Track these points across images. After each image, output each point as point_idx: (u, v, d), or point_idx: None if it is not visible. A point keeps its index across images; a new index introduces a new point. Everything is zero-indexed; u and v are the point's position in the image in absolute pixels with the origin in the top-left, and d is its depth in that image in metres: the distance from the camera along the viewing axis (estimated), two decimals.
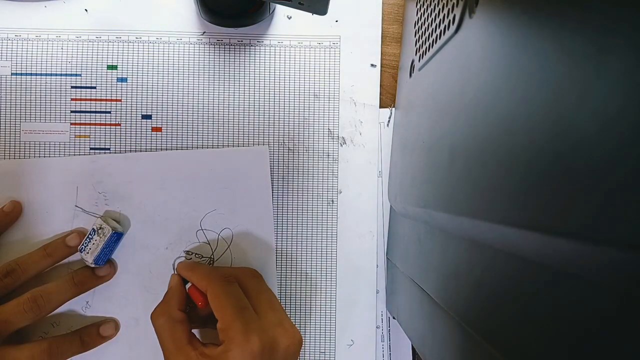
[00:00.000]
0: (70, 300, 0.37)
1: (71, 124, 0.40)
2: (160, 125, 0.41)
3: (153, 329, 0.34)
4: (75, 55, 0.41)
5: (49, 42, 0.40)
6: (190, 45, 0.41)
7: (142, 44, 0.41)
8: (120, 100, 0.41)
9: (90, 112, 0.41)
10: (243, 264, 0.40)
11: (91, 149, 0.40)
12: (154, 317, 0.35)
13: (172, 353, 0.32)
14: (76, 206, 0.39)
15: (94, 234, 0.37)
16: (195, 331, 0.37)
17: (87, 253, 0.37)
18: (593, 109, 0.11)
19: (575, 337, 0.13)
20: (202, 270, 0.36)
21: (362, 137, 0.42)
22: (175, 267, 0.39)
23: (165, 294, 0.37)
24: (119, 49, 0.41)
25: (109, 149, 0.41)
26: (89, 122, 0.40)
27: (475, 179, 0.19)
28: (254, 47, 0.42)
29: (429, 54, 0.29)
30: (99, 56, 0.41)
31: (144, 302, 0.39)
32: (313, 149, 0.42)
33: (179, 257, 0.40)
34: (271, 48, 0.42)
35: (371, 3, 0.42)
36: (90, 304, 0.39)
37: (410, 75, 0.35)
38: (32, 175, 0.39)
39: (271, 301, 0.35)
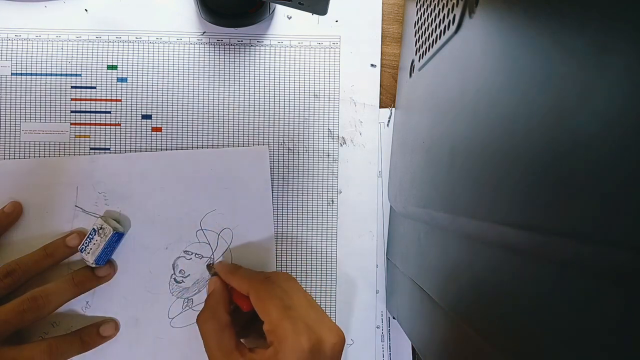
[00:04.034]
0: (70, 300, 0.37)
1: (71, 124, 0.40)
2: (160, 125, 0.41)
3: (153, 328, 0.34)
4: (75, 55, 0.41)
5: (49, 42, 0.40)
6: (190, 45, 0.41)
7: (142, 44, 0.41)
8: (120, 100, 0.41)
9: (90, 112, 0.41)
10: (243, 263, 0.40)
11: (91, 149, 0.40)
12: (201, 322, 0.34)
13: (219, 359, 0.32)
14: (76, 206, 0.39)
15: (95, 234, 0.37)
16: None
17: (88, 253, 0.37)
18: (594, 108, 0.11)
19: (575, 337, 0.13)
20: (241, 273, 0.36)
21: (362, 137, 0.42)
22: (213, 267, 0.39)
23: (209, 297, 0.36)
24: (119, 49, 0.41)
25: (109, 149, 0.41)
26: (89, 122, 0.40)
27: (475, 179, 0.19)
28: (254, 47, 0.42)
29: (429, 54, 0.29)
30: (99, 56, 0.41)
31: (144, 302, 0.39)
32: (313, 149, 0.42)
33: (179, 257, 0.40)
34: (271, 48, 0.42)
35: (371, 3, 0.42)
36: (90, 304, 0.39)
37: (410, 75, 0.35)
38: (32, 175, 0.39)
39: (309, 301, 0.34)
